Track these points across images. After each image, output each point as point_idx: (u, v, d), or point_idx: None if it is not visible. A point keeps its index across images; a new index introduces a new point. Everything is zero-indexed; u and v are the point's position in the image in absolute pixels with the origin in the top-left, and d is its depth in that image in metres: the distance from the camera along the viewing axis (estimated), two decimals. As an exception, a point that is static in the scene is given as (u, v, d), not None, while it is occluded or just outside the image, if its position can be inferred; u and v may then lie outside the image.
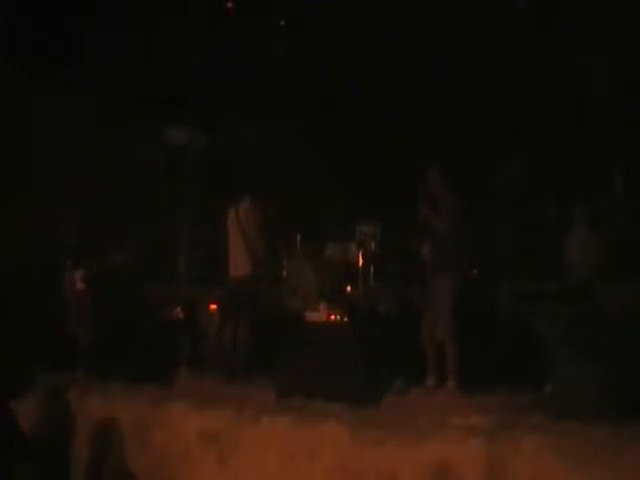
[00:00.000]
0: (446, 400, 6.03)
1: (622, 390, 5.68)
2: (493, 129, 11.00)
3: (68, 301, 8.20)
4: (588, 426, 4.04)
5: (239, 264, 7.56)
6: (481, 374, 7.74)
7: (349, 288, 9.45)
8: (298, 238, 10.02)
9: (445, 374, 6.78)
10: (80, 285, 8.12)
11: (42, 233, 9.53)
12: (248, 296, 7.55)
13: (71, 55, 10.05)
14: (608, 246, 9.21)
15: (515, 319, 7.99)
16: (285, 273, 9.94)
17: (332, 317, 8.64)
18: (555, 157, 10.80)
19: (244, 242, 7.50)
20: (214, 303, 9.03)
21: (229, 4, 11.26)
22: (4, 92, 9.92)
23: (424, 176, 7.27)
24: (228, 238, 7.69)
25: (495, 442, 3.79)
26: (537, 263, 9.13)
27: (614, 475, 3.46)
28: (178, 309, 8.87)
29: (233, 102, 11.12)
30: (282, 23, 11.60)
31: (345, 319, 8.56)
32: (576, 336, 7.39)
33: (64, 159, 10.46)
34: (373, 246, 9.26)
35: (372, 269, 9.44)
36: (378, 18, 10.53)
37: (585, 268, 7.74)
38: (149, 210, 10.65)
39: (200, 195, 10.66)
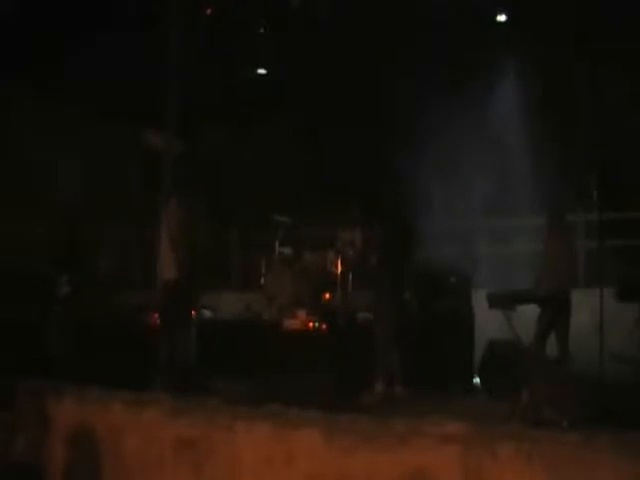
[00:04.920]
0: (422, 406, 6.05)
1: (596, 395, 5.72)
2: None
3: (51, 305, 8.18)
4: (563, 432, 4.06)
5: (166, 267, 7.35)
6: (456, 380, 7.78)
7: (327, 296, 9.43)
8: (277, 244, 10.00)
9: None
10: (65, 289, 8.08)
11: (25, 238, 9.46)
12: (178, 301, 7.35)
13: (49, 59, 9.99)
14: (581, 254, 9.28)
15: (489, 326, 8.04)
16: (263, 280, 9.91)
17: (310, 325, 8.63)
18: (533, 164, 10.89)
19: (170, 244, 7.28)
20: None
21: (208, 11, 11.23)
22: None
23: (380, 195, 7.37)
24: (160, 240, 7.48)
25: (471, 449, 3.79)
26: (512, 271, 9.19)
27: (589, 481, 3.48)
28: (156, 315, 8.82)
29: (212, 106, 11.11)
30: (261, 30, 11.59)
31: (323, 327, 8.56)
32: (546, 344, 7.46)
33: (43, 164, 10.39)
34: (352, 253, 9.25)
35: (351, 276, 9.43)
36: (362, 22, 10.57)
37: (558, 276, 7.81)
38: (127, 215, 10.60)
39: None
